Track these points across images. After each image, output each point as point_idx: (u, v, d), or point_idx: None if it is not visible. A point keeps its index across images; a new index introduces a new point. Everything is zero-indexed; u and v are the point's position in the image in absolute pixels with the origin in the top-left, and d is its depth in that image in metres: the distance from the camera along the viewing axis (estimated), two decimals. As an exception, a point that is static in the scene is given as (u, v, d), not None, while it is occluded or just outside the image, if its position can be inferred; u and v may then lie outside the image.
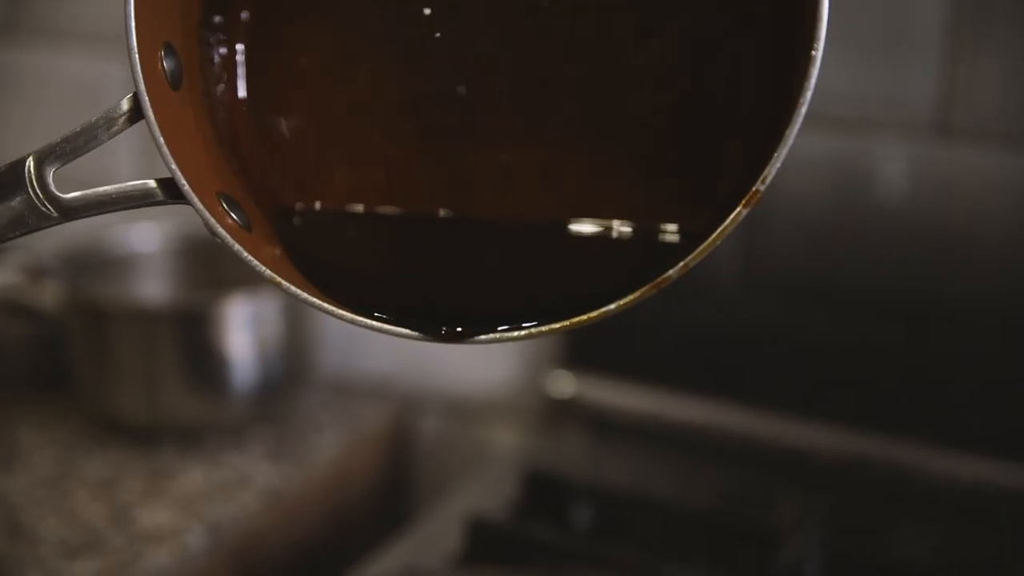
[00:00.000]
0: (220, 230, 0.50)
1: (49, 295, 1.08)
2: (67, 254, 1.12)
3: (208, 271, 1.17)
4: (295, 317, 1.09)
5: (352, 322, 0.50)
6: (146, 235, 1.18)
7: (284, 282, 0.49)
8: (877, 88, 0.97)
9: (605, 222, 0.58)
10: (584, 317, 0.49)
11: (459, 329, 0.51)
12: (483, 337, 0.50)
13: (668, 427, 1.06)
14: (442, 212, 0.59)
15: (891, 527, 0.97)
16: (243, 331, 1.04)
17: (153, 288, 1.18)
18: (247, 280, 1.09)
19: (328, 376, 1.21)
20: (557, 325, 0.49)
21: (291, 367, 1.10)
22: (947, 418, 0.97)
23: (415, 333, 0.51)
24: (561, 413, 1.10)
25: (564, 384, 1.09)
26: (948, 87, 0.94)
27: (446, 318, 0.53)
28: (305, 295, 0.50)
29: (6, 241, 0.49)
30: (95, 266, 1.14)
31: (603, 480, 1.00)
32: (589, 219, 0.58)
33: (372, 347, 1.20)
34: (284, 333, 1.08)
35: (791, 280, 1.01)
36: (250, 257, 0.49)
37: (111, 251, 1.16)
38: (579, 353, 1.09)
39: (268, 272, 0.49)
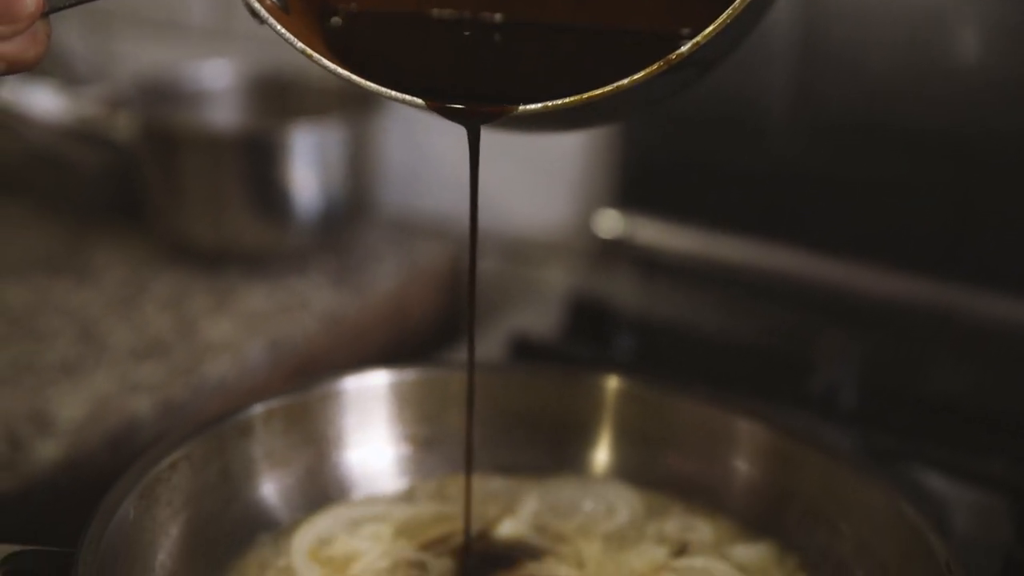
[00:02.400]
0: (256, 4, 0.52)
1: (124, 125, 1.12)
2: (142, 86, 1.17)
3: (277, 108, 1.21)
4: (359, 149, 1.12)
5: (378, 92, 0.52)
6: (218, 71, 1.21)
7: (314, 53, 0.52)
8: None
9: (630, 26, 0.60)
10: (598, 92, 0.51)
11: (482, 104, 0.54)
12: (504, 111, 0.53)
13: (715, 267, 1.08)
14: (471, 15, 0.62)
15: (930, 365, 0.99)
16: (307, 160, 1.08)
17: (223, 122, 1.21)
18: (314, 113, 1.12)
19: (389, 213, 1.24)
20: (570, 99, 0.51)
21: (354, 199, 1.14)
22: (993, 260, 0.99)
23: (443, 107, 0.54)
24: (611, 252, 1.13)
25: (614, 224, 1.12)
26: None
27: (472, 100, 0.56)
28: (334, 66, 0.53)
29: (63, 8, 0.52)
30: (168, 100, 1.18)
31: (647, 313, 1.03)
32: (614, 24, 0.61)
33: (432, 186, 1.23)
34: (347, 165, 1.11)
35: (841, 120, 1.02)
36: (283, 30, 0.52)
37: (184, 86, 1.20)
38: (630, 193, 1.12)
39: (299, 43, 0.52)
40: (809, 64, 1.02)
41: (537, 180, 1.17)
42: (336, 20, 0.61)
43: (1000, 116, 0.97)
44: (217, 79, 1.21)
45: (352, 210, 1.14)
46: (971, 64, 0.97)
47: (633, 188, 1.11)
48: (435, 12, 0.62)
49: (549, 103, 0.51)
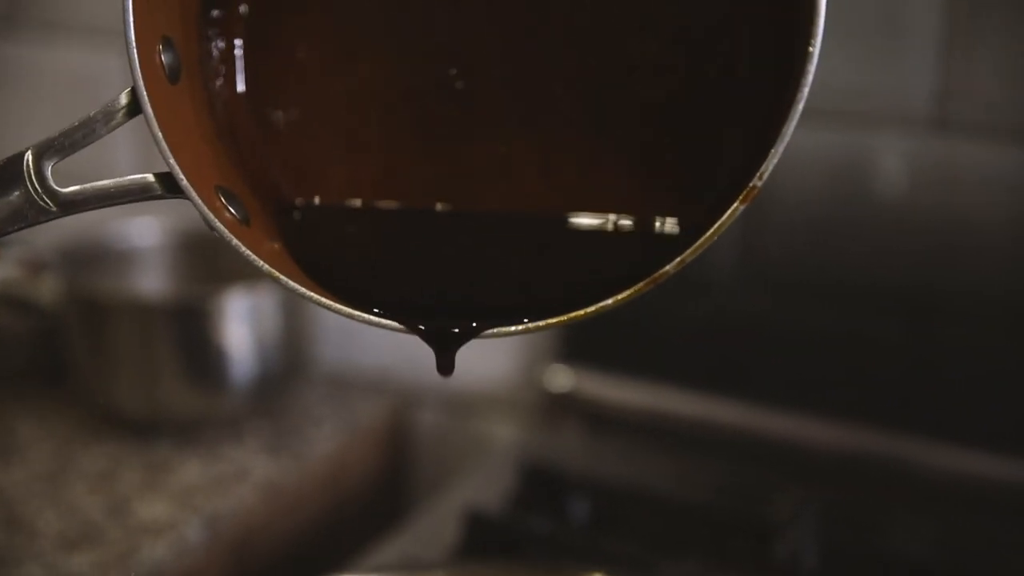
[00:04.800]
0: (218, 224, 0.50)
1: (47, 289, 1.08)
2: (66, 248, 1.12)
3: (207, 266, 1.17)
4: (293, 311, 1.09)
5: (350, 316, 0.50)
6: (145, 230, 1.18)
7: (281, 276, 0.49)
8: (874, 82, 0.97)
9: (603, 215, 0.58)
10: (581, 312, 0.49)
11: (456, 327, 0.52)
12: (481, 333, 0.51)
13: (666, 422, 1.06)
14: (441, 206, 0.59)
15: (890, 521, 0.97)
16: (241, 325, 1.05)
17: (152, 283, 1.18)
18: (246, 275, 1.09)
19: (326, 370, 1.21)
20: (554, 320, 0.49)
21: (289, 361, 1.10)
22: (947, 412, 0.98)
23: (415, 329, 0.51)
24: (559, 407, 1.10)
25: (562, 378, 1.10)
26: (945, 81, 0.94)
27: (444, 315, 0.53)
28: (303, 289, 0.50)
29: (5, 235, 0.49)
30: (94, 260, 1.14)
31: (600, 474, 1.00)
32: (587, 212, 0.59)
33: (370, 341, 1.20)
34: (282, 327, 1.08)
35: (788, 274, 1.01)
36: (247, 251, 0.50)
37: (110, 246, 1.16)
38: (577, 347, 1.10)
39: (265, 266, 0.49)
40: (753, 217, 1.01)
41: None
42: (296, 215, 0.59)
43: (946, 268, 0.97)
44: (144, 238, 1.17)
45: (288, 370, 1.11)
46: (913, 217, 0.97)
47: (581, 342, 1.09)
48: (397, 203, 0.60)
49: (531, 325, 0.49)
